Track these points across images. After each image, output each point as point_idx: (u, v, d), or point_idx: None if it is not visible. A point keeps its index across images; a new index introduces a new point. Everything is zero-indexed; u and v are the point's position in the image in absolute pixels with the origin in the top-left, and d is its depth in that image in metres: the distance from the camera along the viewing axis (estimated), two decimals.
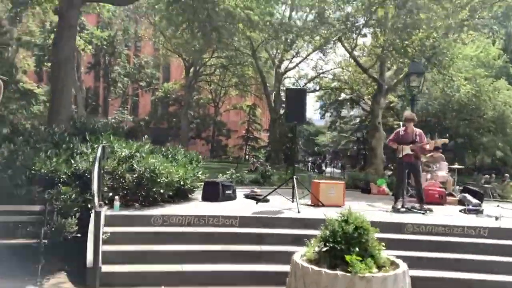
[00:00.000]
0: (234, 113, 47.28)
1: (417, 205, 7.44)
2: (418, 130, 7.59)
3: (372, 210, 7.26)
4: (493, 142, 19.05)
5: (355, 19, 15.27)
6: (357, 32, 15.70)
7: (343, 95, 31.56)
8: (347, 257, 3.16)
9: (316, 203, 7.48)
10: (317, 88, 29.63)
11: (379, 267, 3.27)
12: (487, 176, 17.00)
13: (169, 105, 42.59)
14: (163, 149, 8.06)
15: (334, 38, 16.37)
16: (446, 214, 7.23)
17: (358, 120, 35.25)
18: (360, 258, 3.16)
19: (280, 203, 7.30)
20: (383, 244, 3.45)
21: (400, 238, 5.59)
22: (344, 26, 15.51)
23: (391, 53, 14.93)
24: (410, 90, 11.48)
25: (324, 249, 3.36)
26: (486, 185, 11.89)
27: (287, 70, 29.42)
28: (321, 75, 29.09)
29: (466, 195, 9.26)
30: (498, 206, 9.50)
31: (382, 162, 17.50)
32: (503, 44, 25.99)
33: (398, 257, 3.66)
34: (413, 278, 3.57)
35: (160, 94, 42.41)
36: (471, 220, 6.51)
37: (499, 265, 5.21)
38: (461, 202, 9.11)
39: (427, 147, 7.53)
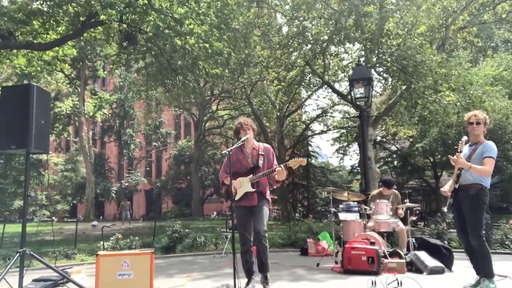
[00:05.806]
0: None
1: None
2: (263, 145, 4.55)
3: None
4: None
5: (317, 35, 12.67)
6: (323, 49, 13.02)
7: None
8: None
9: None
10: (324, 129, 26.50)
11: None
12: None
13: (184, 163, 41.12)
14: None
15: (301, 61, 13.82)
16: None
17: (382, 162, 31.28)
18: None
19: None
20: None
21: None
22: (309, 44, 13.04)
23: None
24: (356, 104, 8.54)
25: None
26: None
27: (288, 113, 26.85)
28: (327, 115, 26.12)
29: (421, 253, 5.82)
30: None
31: None
32: None
33: None
34: None
35: (174, 153, 41.23)
36: None
37: None
38: (412, 265, 5.73)
39: (277, 176, 4.24)
